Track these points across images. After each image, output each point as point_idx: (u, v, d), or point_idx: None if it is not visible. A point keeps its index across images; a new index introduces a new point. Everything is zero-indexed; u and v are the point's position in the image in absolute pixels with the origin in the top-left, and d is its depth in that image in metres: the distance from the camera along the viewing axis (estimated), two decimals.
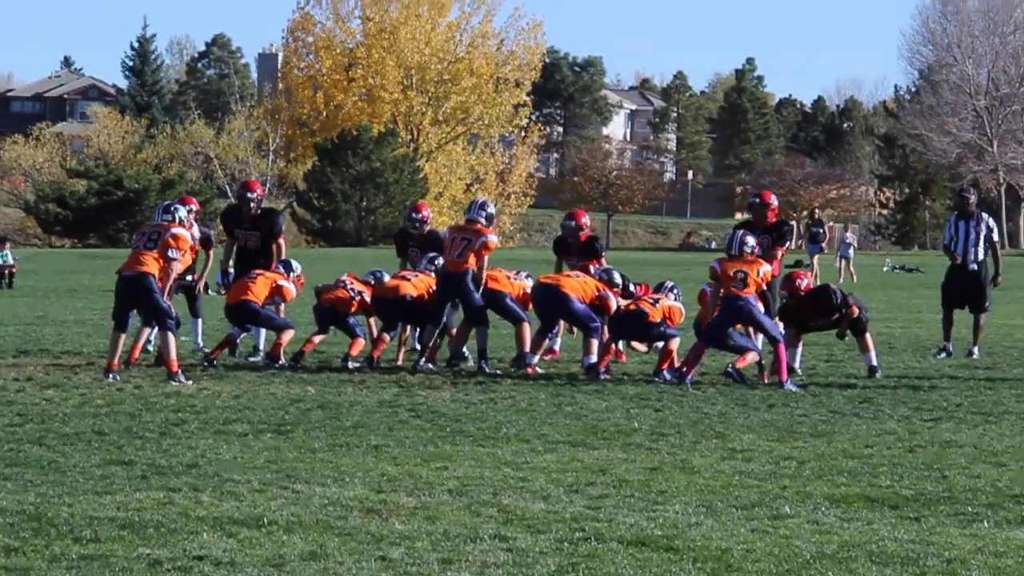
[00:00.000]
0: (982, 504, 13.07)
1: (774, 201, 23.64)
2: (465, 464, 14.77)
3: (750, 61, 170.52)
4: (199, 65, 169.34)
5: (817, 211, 69.00)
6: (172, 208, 22.16)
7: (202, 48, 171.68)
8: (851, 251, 63.74)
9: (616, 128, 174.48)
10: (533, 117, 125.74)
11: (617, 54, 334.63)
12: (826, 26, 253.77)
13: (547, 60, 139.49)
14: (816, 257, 54.41)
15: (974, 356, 25.44)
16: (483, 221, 22.89)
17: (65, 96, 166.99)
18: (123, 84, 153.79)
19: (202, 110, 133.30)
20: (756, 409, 19.15)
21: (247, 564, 10.56)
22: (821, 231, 57.93)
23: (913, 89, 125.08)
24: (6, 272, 45.78)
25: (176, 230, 21.41)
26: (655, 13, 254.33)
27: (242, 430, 16.78)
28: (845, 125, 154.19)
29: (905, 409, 19.23)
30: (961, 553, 11.13)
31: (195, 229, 22.55)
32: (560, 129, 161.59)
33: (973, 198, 26.91)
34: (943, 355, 25.47)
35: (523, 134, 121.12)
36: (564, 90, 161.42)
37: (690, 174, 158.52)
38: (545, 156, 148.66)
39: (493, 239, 22.84)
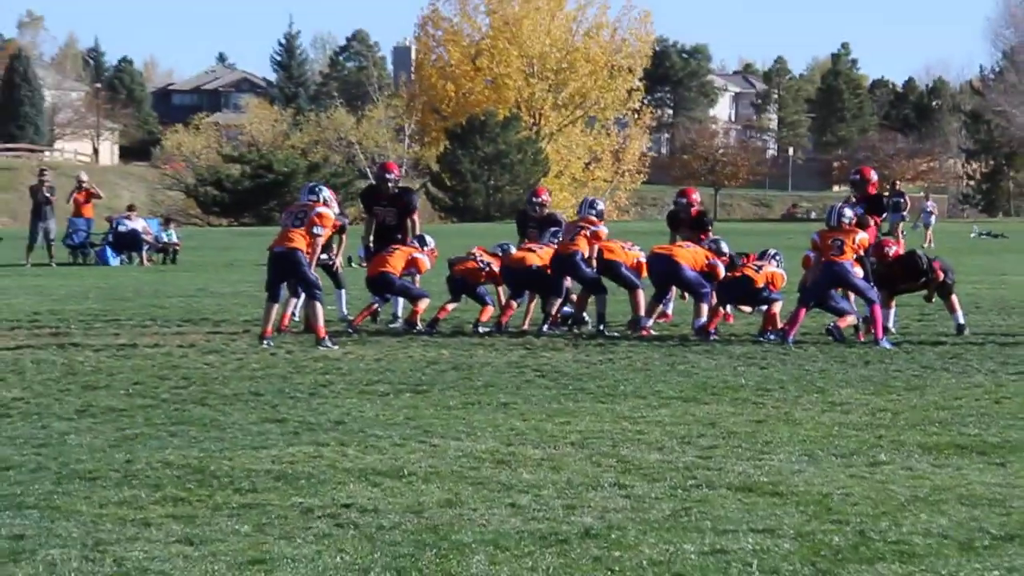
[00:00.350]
0: None
1: (873, 176, 23.72)
2: (586, 419, 14.79)
3: (845, 46, 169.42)
4: (340, 58, 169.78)
5: (897, 182, 68.23)
6: (317, 189, 22.33)
7: (343, 43, 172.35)
8: (932, 218, 63.39)
9: (722, 110, 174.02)
10: (645, 100, 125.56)
11: (722, 41, 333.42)
12: (915, 11, 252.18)
13: (657, 48, 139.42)
14: (901, 225, 54.02)
15: None
16: (594, 216, 23.26)
17: (220, 89, 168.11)
18: (272, 77, 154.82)
19: (343, 99, 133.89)
20: (854, 366, 19.09)
21: (389, 511, 10.61)
22: (902, 200, 57.39)
23: (997, 69, 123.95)
24: (171, 249, 46.08)
25: (321, 209, 21.59)
26: (756, 2, 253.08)
27: (383, 390, 16.87)
28: (934, 103, 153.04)
29: (992, 364, 19.12)
30: None
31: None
32: (670, 111, 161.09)
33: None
34: None
35: (636, 116, 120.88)
36: (673, 75, 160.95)
37: (791, 151, 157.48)
38: (657, 136, 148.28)
39: (604, 229, 23.03)
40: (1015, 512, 10.49)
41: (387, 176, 24.84)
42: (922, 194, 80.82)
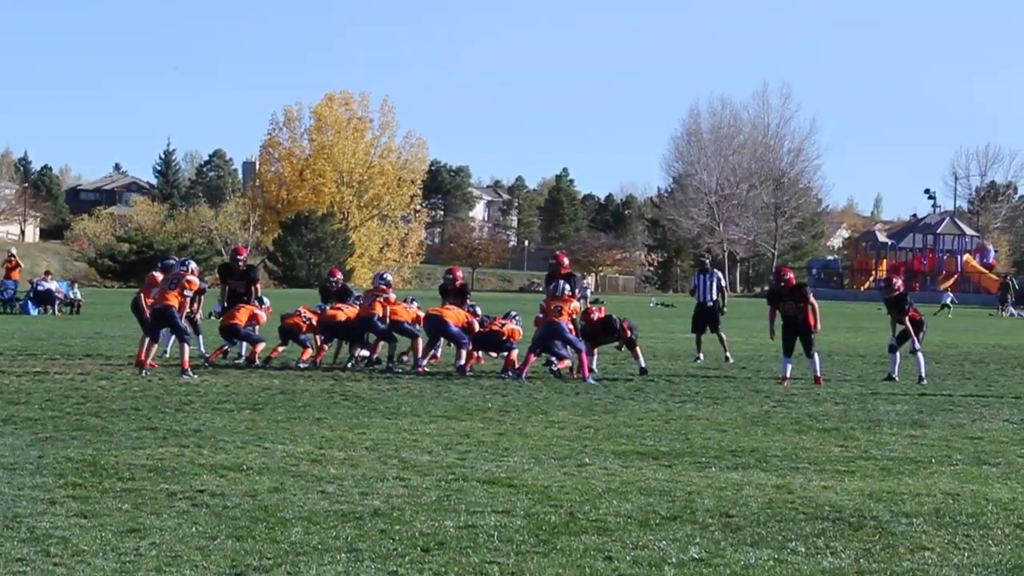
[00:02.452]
0: (712, 456, 13.15)
1: (565, 260, 23.78)
2: (377, 430, 14.69)
3: (565, 169, 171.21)
4: (204, 168, 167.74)
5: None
6: (186, 262, 22.38)
7: (206, 157, 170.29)
8: (588, 292, 64.33)
9: (478, 212, 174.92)
10: (423, 204, 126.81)
11: (478, 162, 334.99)
12: (615, 145, 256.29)
13: (432, 167, 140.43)
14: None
15: (729, 360, 25.62)
16: (383, 285, 23.15)
17: (115, 189, 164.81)
18: (154, 181, 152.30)
19: (206, 198, 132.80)
20: (568, 395, 19.19)
21: (232, 495, 10.45)
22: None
23: (669, 189, 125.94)
24: (76, 303, 45.27)
25: (190, 277, 21.53)
26: (503, 135, 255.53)
27: (230, 407, 16.62)
28: (626, 212, 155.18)
29: (663, 396, 19.33)
30: (698, 487, 11.18)
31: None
32: (441, 212, 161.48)
33: (708, 260, 27.59)
34: (698, 360, 25.58)
35: (416, 214, 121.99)
36: (443, 186, 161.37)
37: (527, 242, 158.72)
38: (431, 230, 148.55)
39: (392, 295, 22.99)
40: (678, 500, 10.60)
41: (238, 258, 25.22)
42: (580, 274, 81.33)
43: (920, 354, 22.65)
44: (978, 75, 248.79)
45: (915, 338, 22.54)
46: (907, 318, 22.70)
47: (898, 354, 22.83)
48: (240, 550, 8.59)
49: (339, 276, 26.06)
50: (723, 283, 26.94)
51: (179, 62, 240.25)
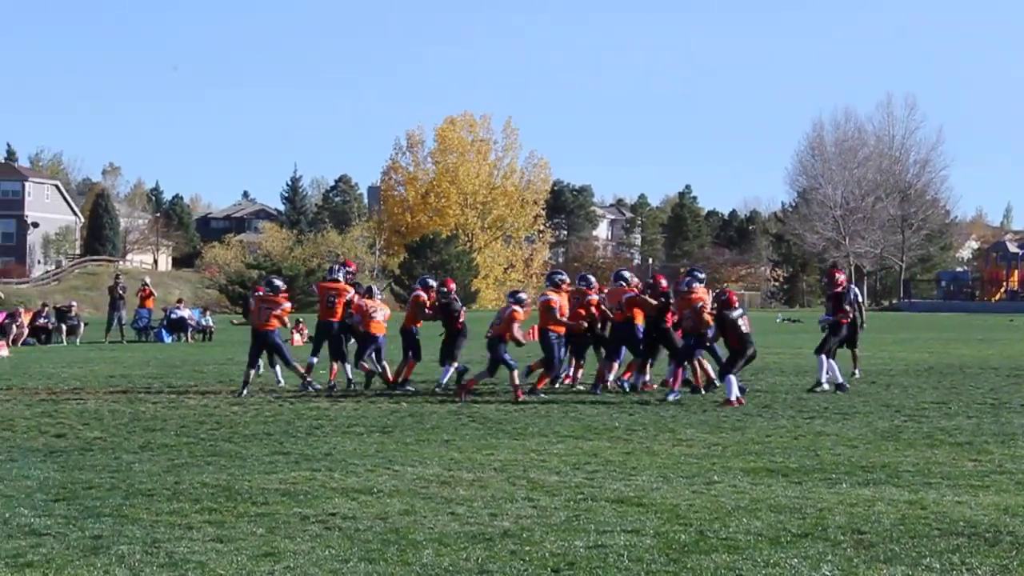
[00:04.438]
0: (842, 472, 13.00)
1: (663, 281, 23.09)
2: (505, 451, 14.74)
3: (688, 186, 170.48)
4: (330, 194, 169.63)
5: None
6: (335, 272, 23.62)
7: (332, 183, 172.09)
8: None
9: (601, 231, 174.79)
10: (546, 224, 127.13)
11: (601, 182, 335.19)
12: (738, 161, 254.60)
13: (554, 187, 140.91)
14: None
15: (856, 375, 24.98)
16: (516, 305, 21.95)
17: (244, 216, 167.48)
18: (282, 208, 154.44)
19: (333, 223, 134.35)
20: (695, 413, 19.09)
21: (363, 517, 10.54)
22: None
23: (794, 204, 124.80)
24: (208, 331, 46.01)
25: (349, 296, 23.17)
26: (626, 155, 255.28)
27: (359, 431, 16.79)
28: (750, 227, 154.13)
29: (791, 411, 19.15)
30: (829, 504, 11.07)
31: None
32: (565, 232, 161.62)
33: (841, 276, 25.69)
34: (855, 375, 24.72)
35: (540, 235, 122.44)
36: (566, 206, 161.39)
37: (650, 260, 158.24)
38: (555, 249, 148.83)
39: (519, 311, 21.81)
40: (808, 517, 10.50)
41: (444, 290, 23.73)
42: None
43: (823, 356, 22.55)
44: None
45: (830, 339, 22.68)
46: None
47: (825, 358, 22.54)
48: (372, 572, 8.67)
49: (452, 287, 24.17)
50: (860, 298, 26.28)
51: (305, 87, 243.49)
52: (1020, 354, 33.08)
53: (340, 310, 22.91)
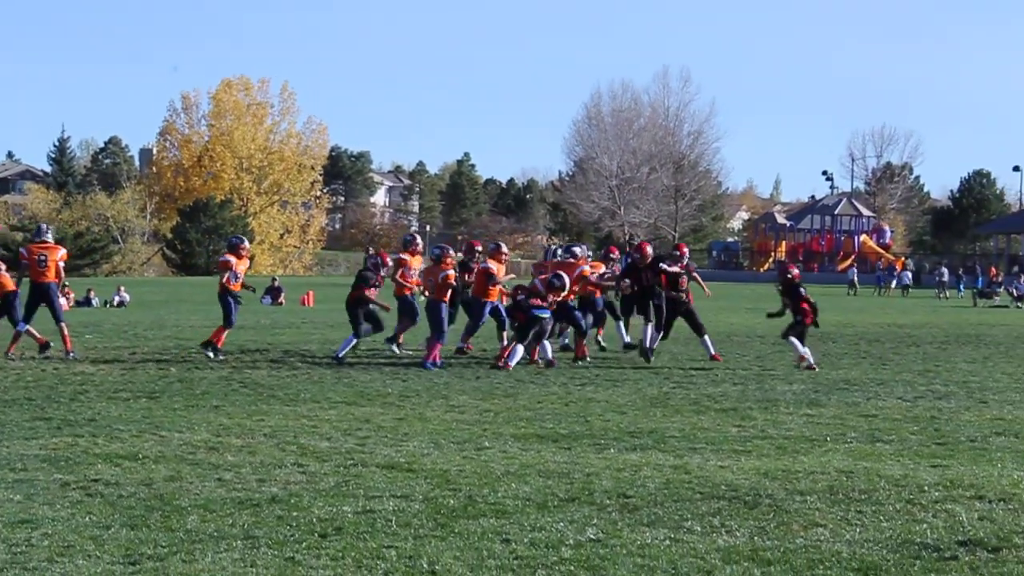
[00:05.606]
0: (611, 438, 13.24)
1: (648, 249, 23.10)
2: (276, 417, 14.63)
3: (466, 154, 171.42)
4: (100, 156, 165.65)
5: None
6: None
7: (102, 144, 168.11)
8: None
9: (379, 197, 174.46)
10: (323, 190, 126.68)
11: (380, 148, 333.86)
12: (515, 130, 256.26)
13: (332, 152, 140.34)
14: None
15: (602, 344, 24.89)
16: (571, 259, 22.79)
17: (8, 177, 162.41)
18: (48, 169, 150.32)
19: (102, 186, 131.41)
20: (468, 379, 19.21)
21: (127, 484, 10.36)
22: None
23: (570, 173, 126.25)
24: None
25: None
26: (405, 120, 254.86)
27: (126, 396, 16.48)
28: (527, 196, 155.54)
29: (564, 379, 19.41)
30: (596, 469, 11.26)
31: None
32: (342, 198, 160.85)
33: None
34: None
35: (317, 201, 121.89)
36: (344, 172, 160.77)
37: (428, 227, 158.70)
38: (333, 216, 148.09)
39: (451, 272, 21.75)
40: (576, 482, 10.66)
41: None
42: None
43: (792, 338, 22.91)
44: (874, 57, 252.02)
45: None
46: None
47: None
48: (135, 539, 8.51)
49: (479, 246, 24.66)
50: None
51: (72, 48, 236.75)
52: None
53: (52, 271, 22.33)
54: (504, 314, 22.68)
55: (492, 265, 22.96)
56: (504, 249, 23.85)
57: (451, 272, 21.58)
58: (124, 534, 8.65)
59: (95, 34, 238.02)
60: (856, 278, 74.07)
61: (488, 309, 22.96)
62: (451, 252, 22.47)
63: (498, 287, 22.83)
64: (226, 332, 22.55)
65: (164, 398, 16.32)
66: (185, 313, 39.12)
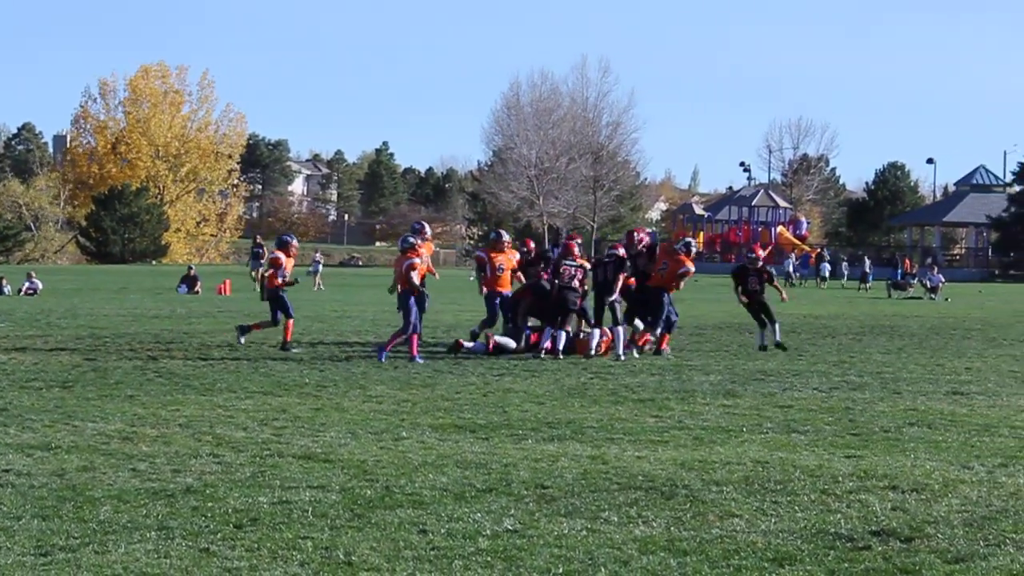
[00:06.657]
0: (529, 428, 13.26)
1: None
2: (191, 407, 14.53)
3: (385, 143, 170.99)
4: (12, 142, 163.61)
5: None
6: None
7: (15, 131, 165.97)
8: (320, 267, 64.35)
9: (297, 186, 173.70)
10: (241, 178, 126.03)
11: (298, 137, 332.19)
12: (435, 118, 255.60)
13: (250, 141, 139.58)
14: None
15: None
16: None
17: None
18: None
19: (14, 173, 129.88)
20: (386, 370, 19.18)
21: (39, 474, 10.25)
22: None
23: (490, 163, 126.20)
24: None
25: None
26: (323, 107, 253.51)
27: (38, 385, 16.31)
28: (447, 185, 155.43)
29: (482, 369, 19.42)
30: (514, 460, 11.28)
31: None
32: (260, 186, 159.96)
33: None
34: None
35: (234, 189, 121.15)
36: (262, 160, 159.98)
37: (346, 216, 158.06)
38: (250, 204, 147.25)
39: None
40: (493, 472, 10.67)
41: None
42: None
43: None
44: (790, 48, 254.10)
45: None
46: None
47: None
48: (46, 530, 8.42)
49: (532, 245, 24.80)
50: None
51: None
52: (703, 314, 34.32)
53: None
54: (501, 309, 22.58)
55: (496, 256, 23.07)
56: (506, 238, 23.78)
57: (416, 261, 21.11)
58: (35, 525, 8.55)
59: (7, 17, 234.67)
60: (792, 268, 73.79)
61: (497, 301, 22.78)
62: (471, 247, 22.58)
63: (505, 277, 22.81)
64: (292, 323, 22.59)
65: (77, 387, 16.15)
66: (99, 302, 38.70)
